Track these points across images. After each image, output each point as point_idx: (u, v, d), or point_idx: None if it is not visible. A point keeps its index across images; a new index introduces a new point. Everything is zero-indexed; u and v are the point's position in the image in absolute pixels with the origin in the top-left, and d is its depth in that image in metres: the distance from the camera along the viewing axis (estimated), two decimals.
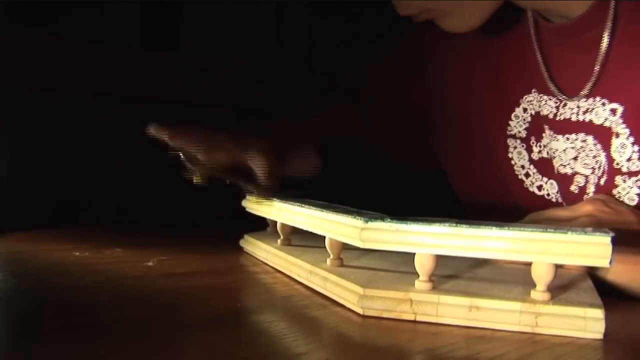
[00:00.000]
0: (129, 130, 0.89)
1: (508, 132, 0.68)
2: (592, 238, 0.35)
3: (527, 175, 0.67)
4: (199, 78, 0.99)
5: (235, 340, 0.33)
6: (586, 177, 0.61)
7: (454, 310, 0.37)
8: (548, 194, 0.66)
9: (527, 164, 0.67)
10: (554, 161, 0.63)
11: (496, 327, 0.36)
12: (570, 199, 0.62)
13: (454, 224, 0.36)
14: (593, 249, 0.35)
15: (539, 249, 0.35)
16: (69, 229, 0.68)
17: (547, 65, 0.63)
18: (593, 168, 0.60)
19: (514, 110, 0.67)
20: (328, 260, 0.44)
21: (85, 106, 0.88)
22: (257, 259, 0.55)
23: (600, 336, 0.35)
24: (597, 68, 0.58)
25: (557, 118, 0.62)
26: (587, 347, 0.34)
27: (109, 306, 0.38)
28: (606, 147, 0.58)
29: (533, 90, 0.65)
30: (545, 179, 0.66)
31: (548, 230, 0.35)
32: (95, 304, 0.39)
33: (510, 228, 0.36)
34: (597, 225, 0.48)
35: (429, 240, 0.37)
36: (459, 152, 0.75)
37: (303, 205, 0.46)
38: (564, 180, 0.63)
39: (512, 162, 0.68)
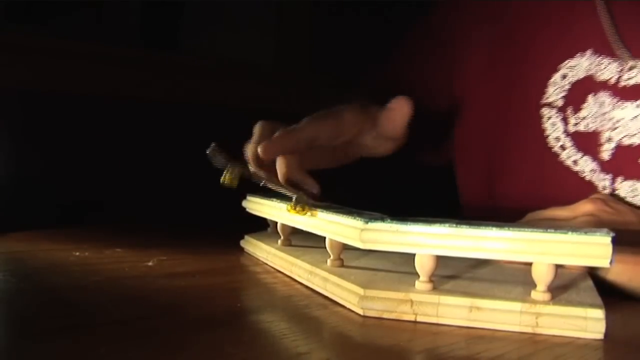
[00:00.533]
0: (128, 130, 0.89)
1: (543, 101, 0.64)
2: (593, 238, 0.34)
3: (562, 147, 0.63)
4: (199, 78, 0.99)
5: (235, 340, 0.33)
6: None
7: (455, 310, 0.37)
8: (582, 171, 0.62)
9: (562, 136, 0.63)
10: (612, 133, 0.59)
11: (497, 327, 0.36)
12: (637, 173, 0.58)
13: (454, 225, 0.36)
14: (593, 249, 0.35)
15: (540, 249, 0.35)
16: (69, 229, 0.68)
17: (614, 25, 0.59)
18: None
19: (551, 77, 0.63)
20: (328, 261, 0.44)
21: (85, 106, 0.88)
22: (257, 259, 0.55)
23: (600, 336, 0.35)
24: None
25: (622, 83, 0.58)
26: (587, 347, 0.34)
27: (109, 306, 0.38)
28: None
29: (578, 54, 0.62)
30: (580, 154, 0.62)
31: (548, 230, 0.35)
32: (95, 304, 0.39)
33: (511, 228, 0.36)
34: (597, 224, 0.48)
35: (429, 240, 0.37)
36: (478, 148, 0.71)
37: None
38: (627, 153, 0.58)
39: (546, 134, 0.64)
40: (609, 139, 0.60)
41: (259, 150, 0.50)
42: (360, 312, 0.38)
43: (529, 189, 0.66)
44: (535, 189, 0.65)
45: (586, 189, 0.61)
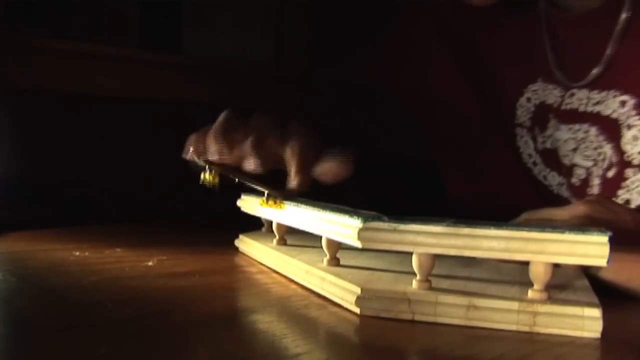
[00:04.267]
0: (128, 130, 0.89)
1: (515, 121, 0.68)
2: (590, 237, 0.35)
3: (534, 163, 0.67)
4: (199, 78, 1.00)
5: (234, 340, 0.33)
6: (587, 169, 0.61)
7: (452, 309, 0.37)
8: (550, 185, 0.66)
9: (533, 153, 0.67)
10: (558, 151, 0.64)
11: (494, 326, 0.36)
12: (574, 191, 0.62)
13: (452, 224, 0.37)
14: (591, 249, 0.35)
15: (537, 248, 0.35)
16: (69, 229, 0.68)
17: (555, 53, 0.63)
18: (595, 160, 0.60)
19: (518, 100, 0.67)
20: (325, 260, 0.44)
21: (85, 106, 0.89)
22: (252, 258, 0.55)
23: (597, 335, 0.35)
24: (607, 54, 0.58)
25: (563, 107, 0.62)
26: (585, 346, 0.34)
27: (109, 306, 0.38)
28: (613, 138, 0.58)
29: (539, 79, 0.65)
30: (548, 170, 0.66)
31: (546, 229, 0.35)
32: (95, 304, 0.39)
33: (508, 227, 0.36)
34: (592, 225, 0.48)
35: (426, 239, 0.37)
36: (459, 150, 0.75)
37: (299, 204, 0.46)
38: (567, 172, 0.63)
39: (520, 151, 0.68)
40: (559, 157, 0.65)
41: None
42: (358, 311, 0.38)
43: (506, 200, 0.70)
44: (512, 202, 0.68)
45: (554, 201, 0.64)
